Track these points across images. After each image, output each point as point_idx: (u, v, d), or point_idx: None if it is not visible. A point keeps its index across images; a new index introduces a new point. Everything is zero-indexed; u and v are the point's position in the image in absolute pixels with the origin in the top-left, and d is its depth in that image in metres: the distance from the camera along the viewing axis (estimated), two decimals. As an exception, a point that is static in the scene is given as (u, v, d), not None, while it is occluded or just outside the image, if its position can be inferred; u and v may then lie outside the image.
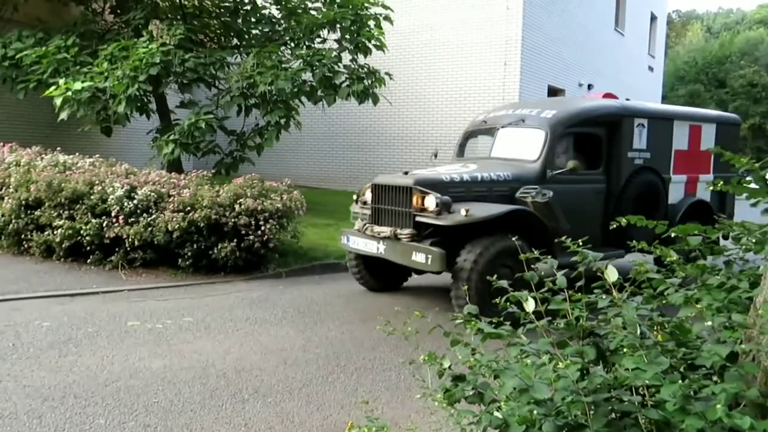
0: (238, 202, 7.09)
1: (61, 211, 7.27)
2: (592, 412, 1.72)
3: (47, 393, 3.79)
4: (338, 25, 11.28)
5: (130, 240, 6.98)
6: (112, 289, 6.42)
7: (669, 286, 2.39)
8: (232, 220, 6.98)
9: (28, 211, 7.45)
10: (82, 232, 7.08)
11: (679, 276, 2.63)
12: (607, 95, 7.67)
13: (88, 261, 7.22)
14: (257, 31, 12.15)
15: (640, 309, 2.29)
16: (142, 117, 10.84)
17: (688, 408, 1.64)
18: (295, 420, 3.56)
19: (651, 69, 24.94)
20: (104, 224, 7.10)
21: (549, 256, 2.41)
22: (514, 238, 3.64)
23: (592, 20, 18.41)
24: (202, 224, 6.91)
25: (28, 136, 11.01)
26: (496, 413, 1.81)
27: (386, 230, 5.90)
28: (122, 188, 7.22)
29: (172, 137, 9.82)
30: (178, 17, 11.59)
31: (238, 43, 12.07)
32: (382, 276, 6.78)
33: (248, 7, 12.03)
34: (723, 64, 39.62)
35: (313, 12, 11.76)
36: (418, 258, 5.54)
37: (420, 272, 6.42)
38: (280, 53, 10.77)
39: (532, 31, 14.76)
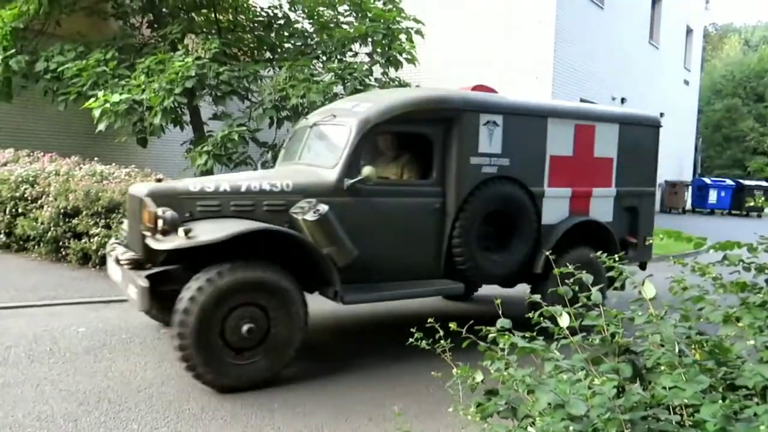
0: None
1: (97, 220, 7.45)
2: (628, 430, 1.68)
3: (83, 397, 3.87)
4: (370, 39, 11.38)
5: (163, 249, 7.10)
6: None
7: (709, 304, 2.34)
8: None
9: (66, 219, 7.65)
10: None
11: (718, 293, 2.57)
12: (478, 87, 5.97)
13: (123, 269, 7.35)
14: (290, 45, 12.33)
15: (678, 326, 2.25)
16: (176, 129, 11.06)
17: (729, 429, 1.59)
18: (324, 430, 3.57)
19: (687, 83, 24.55)
20: (139, 233, 7.25)
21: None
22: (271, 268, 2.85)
23: (626, 33, 18.23)
24: (233, 234, 6.99)
25: (68, 147, 11.33)
26: (530, 429, 1.78)
27: (122, 254, 4.55)
28: (157, 198, 7.35)
29: (205, 148, 10.00)
30: (213, 32, 11.84)
31: (271, 57, 12.26)
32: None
33: (281, 22, 12.23)
34: (762, 78, 38.76)
35: (345, 26, 11.90)
36: (131, 292, 4.18)
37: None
38: (312, 66, 10.90)
39: (564, 44, 14.67)
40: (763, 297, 2.29)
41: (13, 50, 10.43)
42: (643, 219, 6.30)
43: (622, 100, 18.01)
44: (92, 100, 9.68)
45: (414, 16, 11.54)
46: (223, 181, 4.56)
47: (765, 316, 2.14)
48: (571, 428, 1.65)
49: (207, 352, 3.93)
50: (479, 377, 2.05)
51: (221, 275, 3.96)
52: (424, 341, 2.30)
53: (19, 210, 8.10)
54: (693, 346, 2.23)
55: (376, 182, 4.74)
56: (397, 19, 11.37)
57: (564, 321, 2.18)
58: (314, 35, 12.25)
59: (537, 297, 2.42)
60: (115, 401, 3.84)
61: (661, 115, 21.34)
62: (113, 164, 9.02)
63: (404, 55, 11.41)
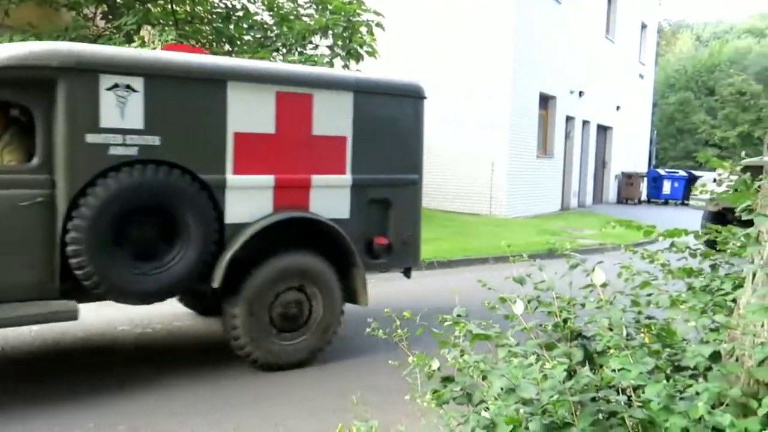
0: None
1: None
2: (578, 411, 1.74)
3: (31, 400, 3.77)
4: (330, 32, 11.32)
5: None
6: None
7: (656, 288, 2.43)
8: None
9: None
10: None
11: (666, 279, 2.66)
12: (173, 47, 5.11)
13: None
14: (249, 37, 12.17)
15: (627, 311, 2.33)
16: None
17: (672, 407, 1.66)
18: (287, 425, 3.57)
19: (642, 76, 25.17)
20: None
21: None
22: None
23: (583, 28, 18.58)
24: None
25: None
26: (484, 413, 1.83)
27: None
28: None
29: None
30: (170, 23, 11.60)
31: (230, 49, 12.08)
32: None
33: (240, 13, 12.06)
34: (712, 73, 40.04)
35: (305, 18, 11.80)
36: None
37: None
38: (272, 59, 10.79)
39: (523, 38, 14.87)
40: (706, 281, 2.38)
41: (-42, 41, 10.03)
42: (400, 215, 5.01)
43: (580, 94, 18.37)
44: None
45: (374, 9, 11.52)
46: None
47: (708, 300, 2.23)
48: (522, 411, 1.69)
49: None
50: (435, 365, 2.08)
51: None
52: (381, 330, 2.32)
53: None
54: (642, 330, 2.32)
55: None
56: (358, 11, 11.34)
57: (518, 308, 2.23)
58: (274, 27, 12.12)
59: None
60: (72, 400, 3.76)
61: (618, 108, 21.95)
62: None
63: (365, 48, 11.39)
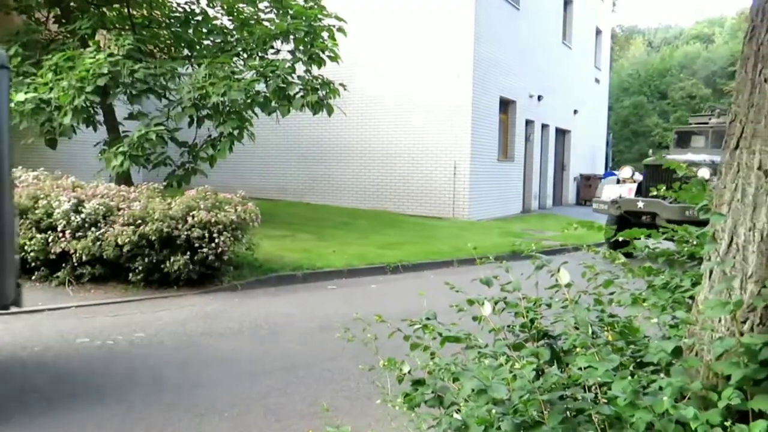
0: (190, 214, 6.97)
1: (3, 227, 6.94)
2: (547, 410, 1.77)
3: (-9, 415, 3.63)
4: (292, 36, 11.26)
5: (77, 255, 6.77)
6: (59, 306, 6.20)
7: (618, 287, 2.48)
8: (185, 232, 6.84)
9: (-32, 227, 7.10)
10: (26, 247, 6.82)
11: (627, 278, 2.73)
12: None
13: (33, 278, 6.96)
14: (209, 42, 12.01)
15: (592, 310, 2.37)
16: (89, 129, 10.54)
17: (637, 403, 1.70)
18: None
19: (597, 81, 25.81)
20: (50, 239, 6.87)
21: None
22: None
23: (541, 34, 18.96)
24: (153, 237, 6.75)
25: (-33, 149, 10.54)
26: (455, 415, 1.84)
27: None
28: (69, 202, 7.00)
29: (121, 149, 9.59)
30: (127, 27, 11.36)
31: (190, 54, 11.90)
32: None
33: (199, 18, 11.89)
34: (664, 77, 41.33)
35: (266, 23, 11.71)
36: None
37: None
38: (232, 64, 10.67)
39: (483, 43, 15.08)
40: (665, 279, 2.45)
41: None
42: None
43: (539, 98, 18.72)
44: (-6, 99, 9.06)
45: (336, 13, 11.51)
46: None
47: (667, 297, 2.29)
48: (493, 411, 1.71)
49: None
50: (406, 368, 2.09)
51: None
52: (350, 333, 2.31)
53: None
54: (606, 328, 2.37)
55: None
56: (319, 16, 11.31)
57: (486, 309, 2.25)
58: (234, 32, 11.99)
59: None
60: (30, 414, 3.62)
61: (575, 112, 22.44)
62: (20, 167, 8.48)
63: (327, 53, 11.37)
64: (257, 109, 10.77)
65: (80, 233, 6.86)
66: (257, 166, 17.11)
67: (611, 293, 2.55)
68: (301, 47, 11.34)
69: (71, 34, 10.99)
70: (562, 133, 21.95)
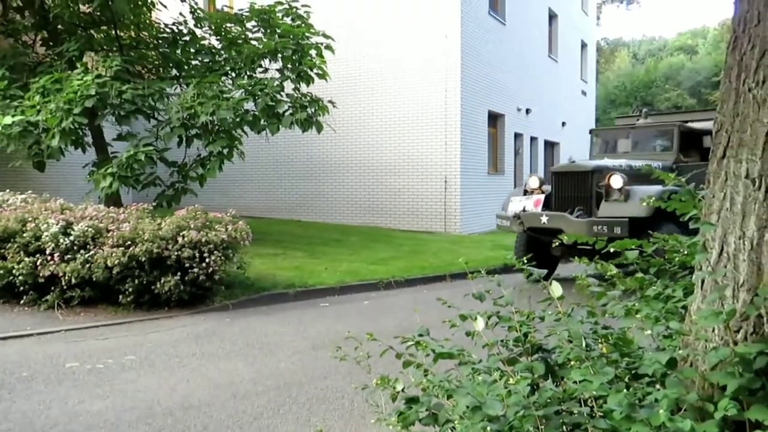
0: (181, 234, 6.92)
1: (-10, 251, 6.84)
2: (543, 425, 1.75)
3: (-23, 444, 3.55)
4: (279, 55, 11.32)
5: (66, 278, 6.69)
6: (48, 330, 6.11)
7: (611, 299, 2.48)
8: (175, 253, 6.79)
9: (-45, 252, 7.01)
10: (14, 271, 6.75)
11: (619, 289, 2.72)
12: None
13: (22, 302, 6.88)
14: (197, 62, 12.04)
15: (585, 322, 2.36)
16: (78, 151, 10.50)
17: (633, 416, 1.69)
18: (246, 456, 3.46)
19: (584, 93, 26.05)
20: (38, 262, 6.80)
21: None
22: None
23: (527, 48, 19.14)
24: (143, 258, 6.69)
25: (-46, 173, 10.47)
26: (450, 433, 1.81)
27: None
28: (57, 224, 6.93)
29: (110, 170, 9.55)
30: (114, 49, 11.37)
31: (178, 74, 11.91)
32: None
33: (187, 38, 11.92)
34: (650, 88, 41.85)
35: (253, 42, 11.76)
36: None
37: None
38: (221, 83, 10.69)
39: (470, 58, 15.20)
40: (657, 289, 2.44)
41: None
42: None
43: (527, 111, 18.87)
44: (-20, 122, 9.02)
45: (323, 31, 11.58)
46: None
47: (660, 307, 2.28)
48: (488, 428, 1.69)
49: None
50: (399, 386, 2.06)
51: None
52: (342, 352, 2.28)
53: None
54: (599, 340, 2.35)
55: None
56: (306, 34, 11.38)
57: (479, 324, 2.24)
58: (222, 51, 12.03)
59: None
60: (16, 445, 3.55)
61: (563, 124, 22.60)
62: (7, 191, 8.41)
63: (315, 71, 11.42)
64: (246, 128, 10.77)
65: (69, 256, 6.79)
66: (247, 184, 17.09)
67: (603, 305, 2.54)
68: (289, 65, 11.40)
69: (59, 56, 10.99)
70: (551, 146, 22.09)
